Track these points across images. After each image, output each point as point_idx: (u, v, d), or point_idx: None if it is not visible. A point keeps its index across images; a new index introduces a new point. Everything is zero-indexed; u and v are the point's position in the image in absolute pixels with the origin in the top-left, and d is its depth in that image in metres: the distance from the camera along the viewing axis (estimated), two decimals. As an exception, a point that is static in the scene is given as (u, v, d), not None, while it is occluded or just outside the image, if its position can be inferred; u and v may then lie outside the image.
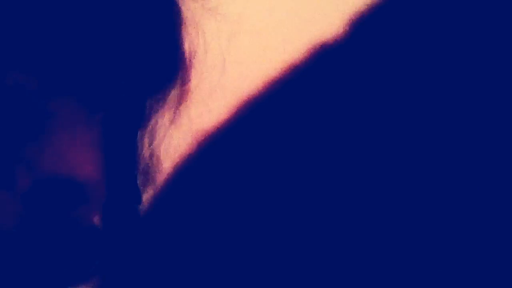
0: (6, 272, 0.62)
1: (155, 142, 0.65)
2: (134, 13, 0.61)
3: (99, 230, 0.63)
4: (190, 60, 0.65)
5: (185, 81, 0.64)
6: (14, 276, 0.62)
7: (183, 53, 0.64)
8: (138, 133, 0.64)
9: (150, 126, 0.64)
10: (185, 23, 0.64)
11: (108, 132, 0.61)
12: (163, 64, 0.63)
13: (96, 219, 0.62)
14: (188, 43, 0.65)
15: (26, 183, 0.59)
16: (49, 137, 0.59)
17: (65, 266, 0.63)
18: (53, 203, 0.60)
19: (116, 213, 0.64)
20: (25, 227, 0.61)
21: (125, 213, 0.64)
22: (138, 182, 0.65)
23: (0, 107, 0.58)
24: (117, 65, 0.60)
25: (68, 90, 0.59)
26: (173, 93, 0.64)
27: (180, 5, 0.64)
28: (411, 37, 0.66)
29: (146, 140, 0.65)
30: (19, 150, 0.59)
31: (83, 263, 0.64)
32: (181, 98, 0.65)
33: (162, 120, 0.65)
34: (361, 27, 0.65)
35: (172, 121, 0.66)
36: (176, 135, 0.66)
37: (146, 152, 0.65)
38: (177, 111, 0.65)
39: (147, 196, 0.66)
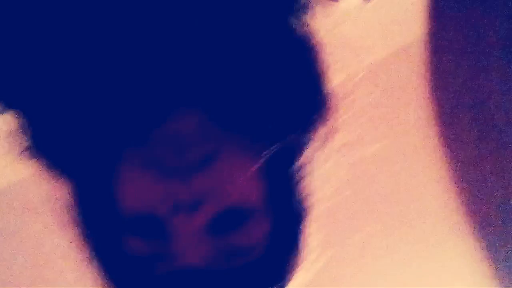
0: None
1: (308, 177, 0.70)
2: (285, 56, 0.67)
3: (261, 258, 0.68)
4: (334, 98, 0.69)
5: (331, 119, 0.69)
6: None
7: (328, 92, 0.69)
8: (294, 166, 0.69)
9: (304, 161, 0.69)
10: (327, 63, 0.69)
11: (269, 164, 0.67)
12: (312, 102, 0.69)
13: (259, 248, 0.68)
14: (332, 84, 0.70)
15: (209, 213, 0.65)
16: (221, 170, 0.65)
17: None
18: (227, 231, 0.66)
19: (280, 241, 0.69)
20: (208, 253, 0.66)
21: (287, 240, 0.70)
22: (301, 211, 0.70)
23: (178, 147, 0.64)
24: (271, 102, 0.66)
25: (231, 127, 0.65)
26: (322, 130, 0.69)
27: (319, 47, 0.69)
28: None
29: (302, 173, 0.70)
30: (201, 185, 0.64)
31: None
32: (328, 136, 0.70)
33: (313, 155, 0.70)
34: None
35: (323, 157, 0.70)
36: (326, 170, 0.71)
37: (302, 184, 0.70)
38: (326, 147, 0.70)
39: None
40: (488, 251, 0.59)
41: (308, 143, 0.69)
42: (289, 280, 0.71)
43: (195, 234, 0.65)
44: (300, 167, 0.69)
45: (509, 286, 0.58)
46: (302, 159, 0.69)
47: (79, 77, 0.66)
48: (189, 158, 0.64)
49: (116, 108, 0.65)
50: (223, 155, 0.65)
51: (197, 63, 0.65)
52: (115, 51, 0.65)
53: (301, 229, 0.70)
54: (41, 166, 0.69)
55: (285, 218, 0.69)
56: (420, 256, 1.81)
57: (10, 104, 0.68)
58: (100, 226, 0.68)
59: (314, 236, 0.72)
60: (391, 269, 1.82)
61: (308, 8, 0.68)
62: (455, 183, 0.61)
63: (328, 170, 0.71)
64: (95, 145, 0.66)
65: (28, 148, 0.68)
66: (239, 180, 0.65)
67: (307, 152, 0.69)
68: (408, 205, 1.74)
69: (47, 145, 0.68)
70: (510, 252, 0.58)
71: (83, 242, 0.70)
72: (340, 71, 0.70)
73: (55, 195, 0.70)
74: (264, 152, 0.66)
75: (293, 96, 0.67)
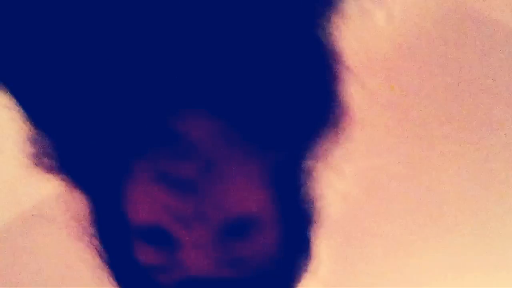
0: None
1: (314, 183, 0.71)
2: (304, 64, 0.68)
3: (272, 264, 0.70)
4: (345, 109, 0.70)
5: (339, 127, 0.70)
6: None
7: (340, 102, 0.70)
8: (301, 174, 0.70)
9: (310, 168, 0.71)
10: (344, 77, 0.70)
11: (275, 172, 0.68)
12: (323, 110, 0.70)
13: (268, 257, 0.69)
14: (345, 95, 0.70)
15: (216, 223, 0.66)
16: (227, 179, 0.66)
17: None
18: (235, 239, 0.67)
19: (289, 250, 0.70)
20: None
21: (297, 246, 0.71)
22: (309, 217, 0.71)
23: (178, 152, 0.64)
24: (281, 108, 0.67)
25: (239, 134, 0.66)
26: (329, 138, 0.70)
27: (342, 59, 0.69)
28: None
29: (308, 181, 0.71)
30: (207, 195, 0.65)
31: None
32: (335, 143, 0.71)
33: (320, 163, 0.71)
34: None
35: (327, 164, 0.72)
36: (332, 178, 0.72)
37: (310, 191, 0.71)
38: (332, 154, 0.71)
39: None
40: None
41: (315, 151, 0.70)
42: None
43: (202, 245, 0.65)
44: (307, 175, 0.70)
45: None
46: (309, 167, 0.70)
47: (90, 95, 0.65)
48: (194, 166, 0.64)
49: (122, 117, 0.64)
50: (228, 164, 0.65)
51: (208, 64, 0.64)
52: (120, 58, 0.64)
53: (309, 237, 0.71)
54: (63, 183, 0.71)
55: (293, 227, 0.70)
56: (434, 267, 1.81)
57: (37, 127, 0.70)
58: (112, 235, 0.70)
59: (322, 245, 0.73)
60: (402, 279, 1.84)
61: (332, 19, 0.68)
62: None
63: (334, 178, 0.72)
64: (105, 158, 0.67)
65: (53, 168, 0.70)
66: (245, 189, 0.66)
67: (314, 160, 0.70)
68: (417, 215, 1.77)
69: (69, 164, 0.70)
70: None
71: (97, 251, 0.72)
72: (354, 83, 0.70)
73: (75, 208, 0.72)
74: (270, 160, 0.67)
75: (304, 103, 0.68)
